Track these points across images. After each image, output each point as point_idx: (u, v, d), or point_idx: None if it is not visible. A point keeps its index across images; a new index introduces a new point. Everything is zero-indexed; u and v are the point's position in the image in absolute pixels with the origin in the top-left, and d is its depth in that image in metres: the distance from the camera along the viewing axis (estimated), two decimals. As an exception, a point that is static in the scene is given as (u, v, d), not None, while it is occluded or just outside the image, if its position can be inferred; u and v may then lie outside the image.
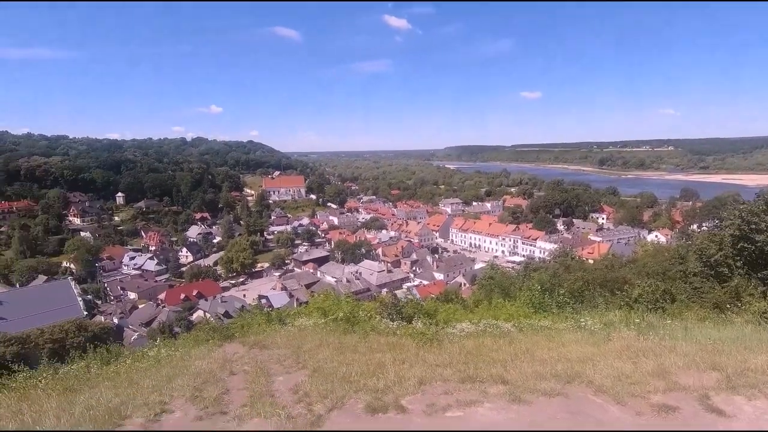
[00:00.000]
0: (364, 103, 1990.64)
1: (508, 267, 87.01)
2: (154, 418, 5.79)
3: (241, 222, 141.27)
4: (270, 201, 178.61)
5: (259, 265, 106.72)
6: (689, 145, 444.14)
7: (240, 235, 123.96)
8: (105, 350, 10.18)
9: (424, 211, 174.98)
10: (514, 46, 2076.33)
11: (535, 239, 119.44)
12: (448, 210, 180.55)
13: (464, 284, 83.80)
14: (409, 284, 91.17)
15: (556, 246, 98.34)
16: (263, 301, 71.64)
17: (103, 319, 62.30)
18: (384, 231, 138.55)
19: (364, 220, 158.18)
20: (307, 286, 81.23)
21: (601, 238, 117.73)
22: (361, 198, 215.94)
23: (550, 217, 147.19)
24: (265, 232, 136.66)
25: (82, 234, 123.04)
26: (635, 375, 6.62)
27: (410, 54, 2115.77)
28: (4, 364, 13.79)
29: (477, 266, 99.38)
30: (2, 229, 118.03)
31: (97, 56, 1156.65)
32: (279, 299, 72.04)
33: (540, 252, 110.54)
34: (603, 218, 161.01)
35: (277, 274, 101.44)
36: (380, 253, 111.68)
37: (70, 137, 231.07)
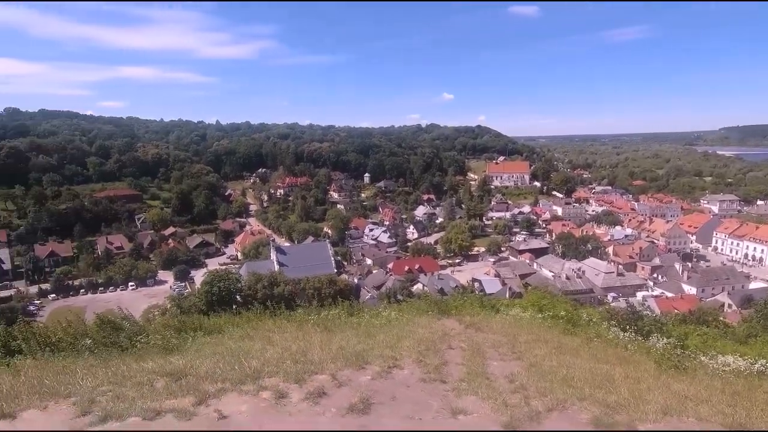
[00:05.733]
0: (607, 80, 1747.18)
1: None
2: (388, 369, 6.72)
3: (463, 205, 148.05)
4: (492, 186, 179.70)
5: (475, 248, 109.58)
6: None
7: (460, 218, 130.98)
8: (349, 304, 12.44)
9: (677, 208, 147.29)
10: None
11: None
12: (715, 208, 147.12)
13: (729, 305, 65.83)
14: (645, 293, 77.43)
15: None
16: (476, 284, 73.48)
17: (347, 277, 75.71)
18: (618, 227, 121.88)
19: (594, 212, 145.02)
20: (522, 277, 78.77)
21: None
22: (594, 188, 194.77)
23: None
24: (484, 217, 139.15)
25: (338, 206, 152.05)
26: None
27: (670, 11, 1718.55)
28: (284, 299, 18.58)
29: (753, 285, 76.80)
30: (290, 198, 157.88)
31: (356, 59, 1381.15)
32: (491, 285, 72.38)
33: None
34: None
35: (491, 259, 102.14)
36: (611, 251, 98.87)
37: (336, 126, 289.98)
